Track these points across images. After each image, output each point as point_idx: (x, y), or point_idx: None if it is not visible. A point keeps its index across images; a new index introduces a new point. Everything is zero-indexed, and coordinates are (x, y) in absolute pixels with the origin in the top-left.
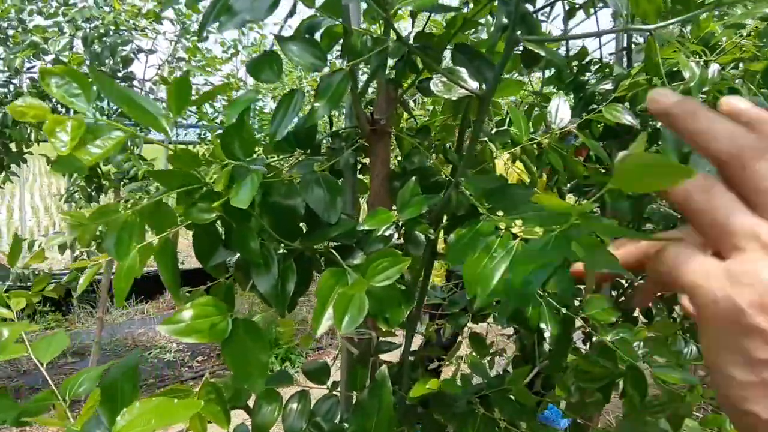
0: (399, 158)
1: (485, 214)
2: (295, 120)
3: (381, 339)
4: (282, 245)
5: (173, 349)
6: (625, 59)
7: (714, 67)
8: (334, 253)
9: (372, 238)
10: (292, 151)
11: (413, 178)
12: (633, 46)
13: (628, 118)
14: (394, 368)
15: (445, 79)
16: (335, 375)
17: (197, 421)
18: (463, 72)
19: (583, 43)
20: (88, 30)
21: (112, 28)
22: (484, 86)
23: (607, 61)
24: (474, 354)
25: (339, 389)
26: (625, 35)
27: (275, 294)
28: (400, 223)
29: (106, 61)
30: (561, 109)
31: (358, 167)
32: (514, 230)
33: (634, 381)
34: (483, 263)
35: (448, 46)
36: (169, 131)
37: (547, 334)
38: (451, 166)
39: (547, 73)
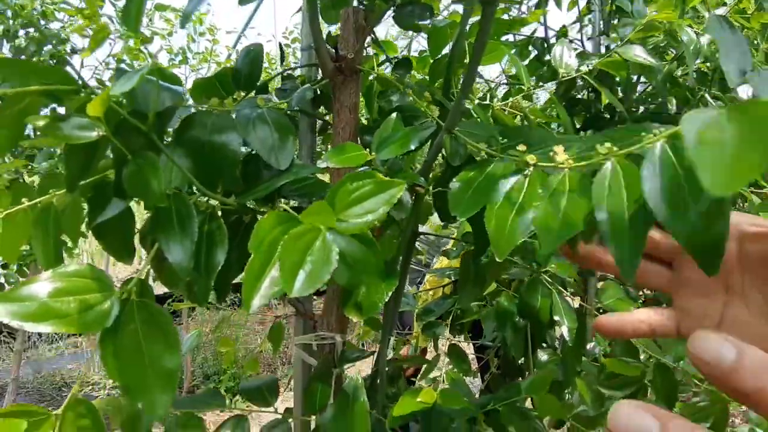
0: (366, 118)
1: (498, 156)
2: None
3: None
4: (207, 201)
5: (108, 386)
6: (602, 46)
7: (706, 38)
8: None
9: None
10: (229, 94)
11: (394, 113)
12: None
13: (645, 56)
14: (366, 382)
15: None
16: (288, 400)
17: None
18: None
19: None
20: (10, 23)
21: (41, 19)
22: None
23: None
24: (454, 370)
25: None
26: (602, 20)
27: (194, 267)
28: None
29: (33, 58)
30: (565, 55)
31: (317, 126)
32: (559, 158)
33: (663, 383)
34: (510, 215)
35: None
36: None
37: (564, 329)
38: (439, 109)
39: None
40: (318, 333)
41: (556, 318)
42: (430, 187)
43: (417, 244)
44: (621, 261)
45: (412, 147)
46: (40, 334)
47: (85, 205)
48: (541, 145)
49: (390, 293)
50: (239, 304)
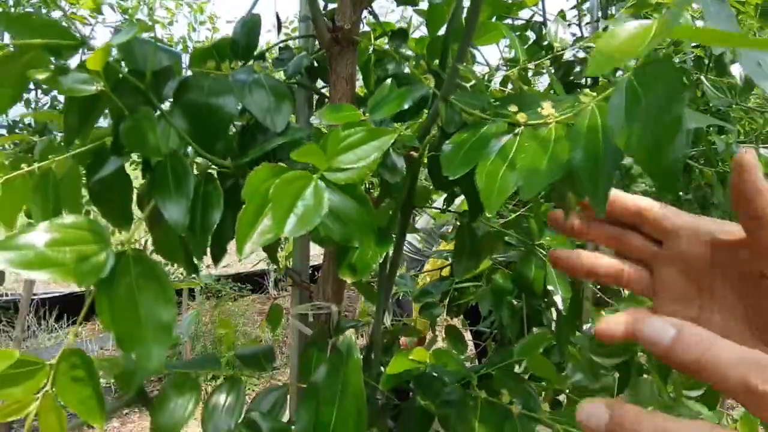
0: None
1: (492, 119)
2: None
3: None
4: (203, 164)
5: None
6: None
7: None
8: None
9: None
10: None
11: (389, 79)
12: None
13: None
14: (362, 352)
15: None
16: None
17: (51, 410)
18: None
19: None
20: (12, 10)
21: (43, 7)
22: None
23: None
24: (452, 351)
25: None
26: (599, 9)
27: (189, 226)
28: None
29: None
30: (560, 31)
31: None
32: (546, 112)
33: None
34: (501, 170)
35: None
36: None
37: (558, 298)
38: (435, 81)
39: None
40: (314, 303)
41: (550, 288)
42: (425, 150)
43: (416, 234)
44: (594, 194)
45: (406, 106)
46: (39, 323)
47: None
48: (533, 107)
49: (383, 255)
50: (239, 292)
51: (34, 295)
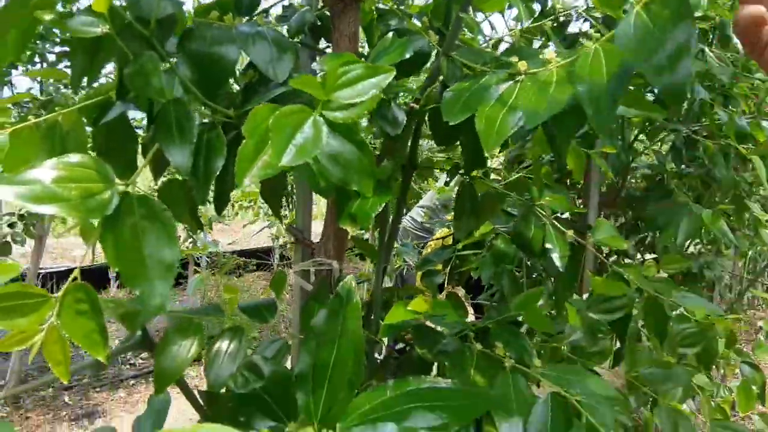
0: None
1: (493, 71)
2: None
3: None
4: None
5: (113, 345)
6: None
7: None
8: None
9: None
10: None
11: (390, 32)
12: None
13: None
14: (362, 308)
15: None
16: None
17: (55, 342)
18: None
19: None
20: None
21: None
22: None
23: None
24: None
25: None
26: None
27: (192, 172)
28: None
29: None
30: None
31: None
32: (548, 56)
33: (653, 312)
34: (501, 114)
35: None
36: None
37: (555, 256)
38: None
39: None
40: (316, 259)
41: (548, 246)
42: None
43: (419, 210)
44: (598, 118)
45: (407, 56)
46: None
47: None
48: (534, 59)
49: (382, 205)
50: (243, 269)
51: (41, 269)
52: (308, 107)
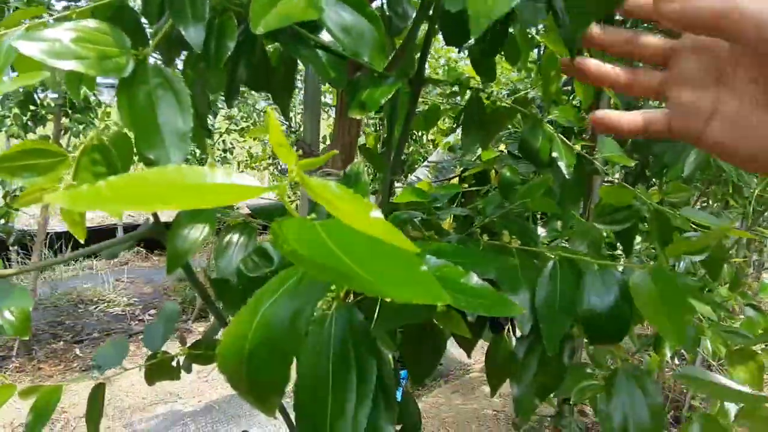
0: None
1: None
2: None
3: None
4: None
5: (123, 303)
6: None
7: None
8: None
9: None
10: None
11: None
12: None
13: None
14: None
15: None
16: None
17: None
18: None
19: None
20: None
21: None
22: None
23: None
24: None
25: None
26: None
27: (205, 50)
28: None
29: None
30: None
31: None
32: None
33: (658, 219)
34: None
35: None
36: None
37: (562, 164)
38: None
39: None
40: (324, 169)
41: (554, 155)
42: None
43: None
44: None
45: None
46: (55, 254)
47: None
48: None
49: (390, 94)
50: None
51: (49, 230)
52: None
